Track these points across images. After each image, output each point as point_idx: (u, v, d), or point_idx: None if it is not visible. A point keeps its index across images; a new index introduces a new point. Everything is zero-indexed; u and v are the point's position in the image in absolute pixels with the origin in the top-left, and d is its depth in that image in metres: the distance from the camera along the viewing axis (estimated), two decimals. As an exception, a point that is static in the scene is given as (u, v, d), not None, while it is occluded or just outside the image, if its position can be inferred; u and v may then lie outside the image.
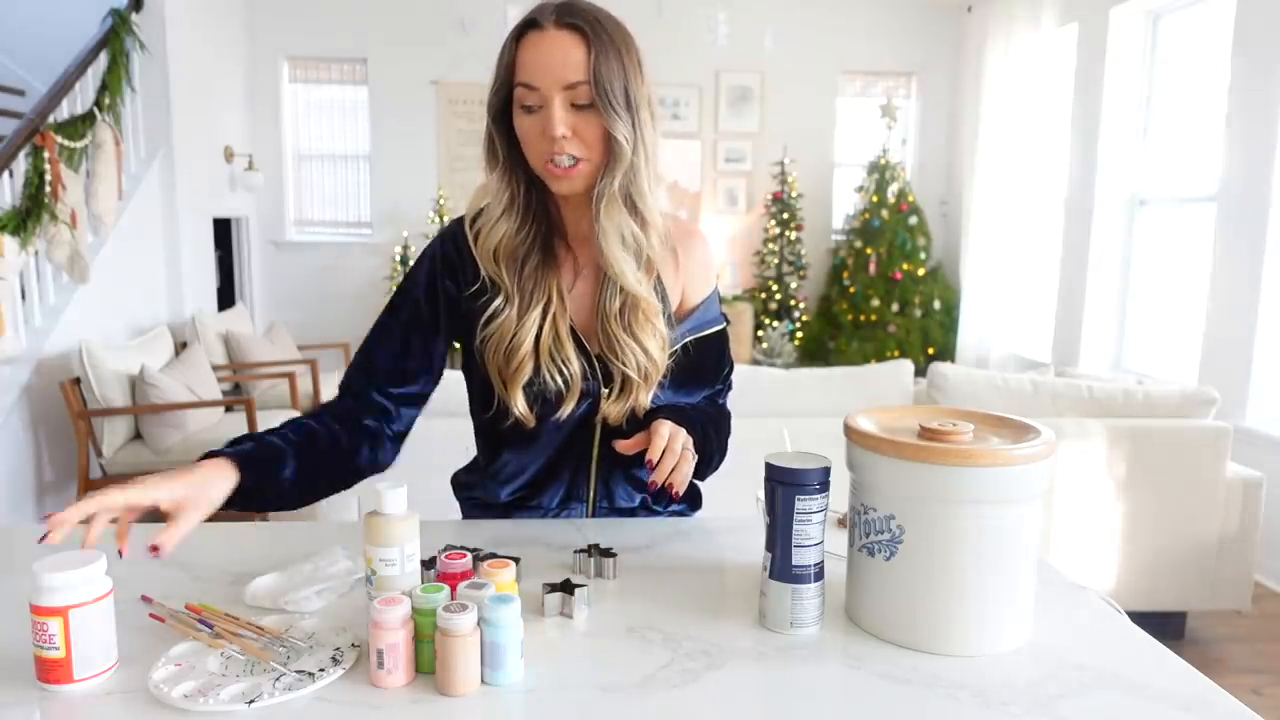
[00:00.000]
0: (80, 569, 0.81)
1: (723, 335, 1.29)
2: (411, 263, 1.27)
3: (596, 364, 1.19)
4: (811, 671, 0.86)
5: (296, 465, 1.08)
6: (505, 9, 4.92)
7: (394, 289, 1.26)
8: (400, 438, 1.24)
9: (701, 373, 1.26)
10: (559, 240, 1.22)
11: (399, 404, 1.21)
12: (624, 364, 1.17)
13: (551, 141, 1.09)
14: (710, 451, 1.21)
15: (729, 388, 1.33)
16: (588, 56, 1.08)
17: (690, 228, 1.32)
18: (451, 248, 1.21)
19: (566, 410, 1.18)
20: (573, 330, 1.19)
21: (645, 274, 1.18)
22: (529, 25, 1.11)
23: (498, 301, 1.17)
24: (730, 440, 1.30)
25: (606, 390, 1.20)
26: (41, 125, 3.82)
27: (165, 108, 4.84)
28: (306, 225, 6.55)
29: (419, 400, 1.24)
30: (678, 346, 1.22)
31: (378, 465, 1.21)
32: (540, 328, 1.16)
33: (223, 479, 0.99)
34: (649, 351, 1.18)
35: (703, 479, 1.27)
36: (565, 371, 1.17)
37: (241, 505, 1.03)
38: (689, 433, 1.12)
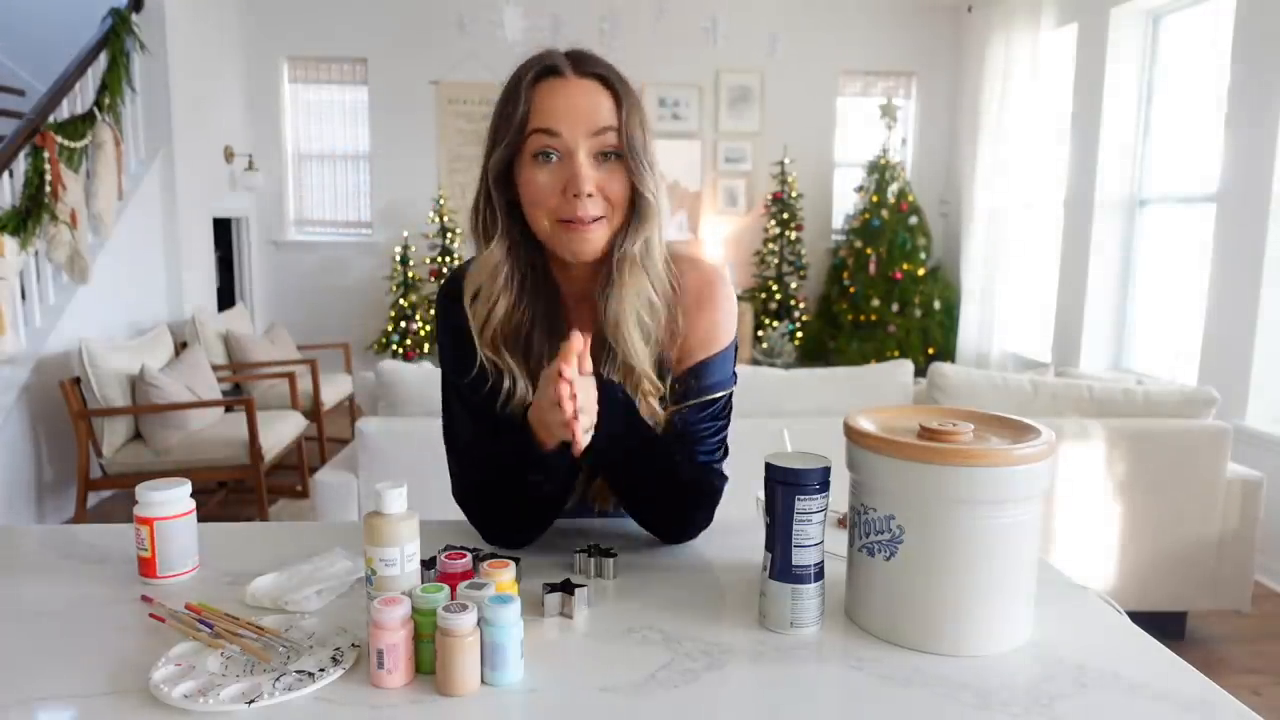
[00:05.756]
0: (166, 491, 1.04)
1: (728, 398, 1.15)
2: (436, 325, 1.17)
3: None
4: (811, 671, 0.86)
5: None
6: (503, 9, 4.92)
7: (440, 364, 1.17)
8: None
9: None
10: (560, 308, 1.12)
11: None
12: None
13: (573, 199, 1.01)
14: (652, 474, 1.10)
15: (725, 451, 1.17)
16: (615, 107, 1.03)
17: (709, 274, 1.15)
18: (458, 310, 1.11)
19: (570, 504, 1.16)
20: None
21: (651, 350, 1.09)
22: (547, 72, 1.03)
23: (506, 385, 1.09)
24: (712, 514, 1.16)
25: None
26: (41, 125, 3.83)
27: (165, 108, 4.84)
28: (306, 225, 6.55)
29: None
30: (674, 411, 1.11)
31: None
32: None
33: None
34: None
35: (639, 510, 1.15)
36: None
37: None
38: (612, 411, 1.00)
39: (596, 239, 1.04)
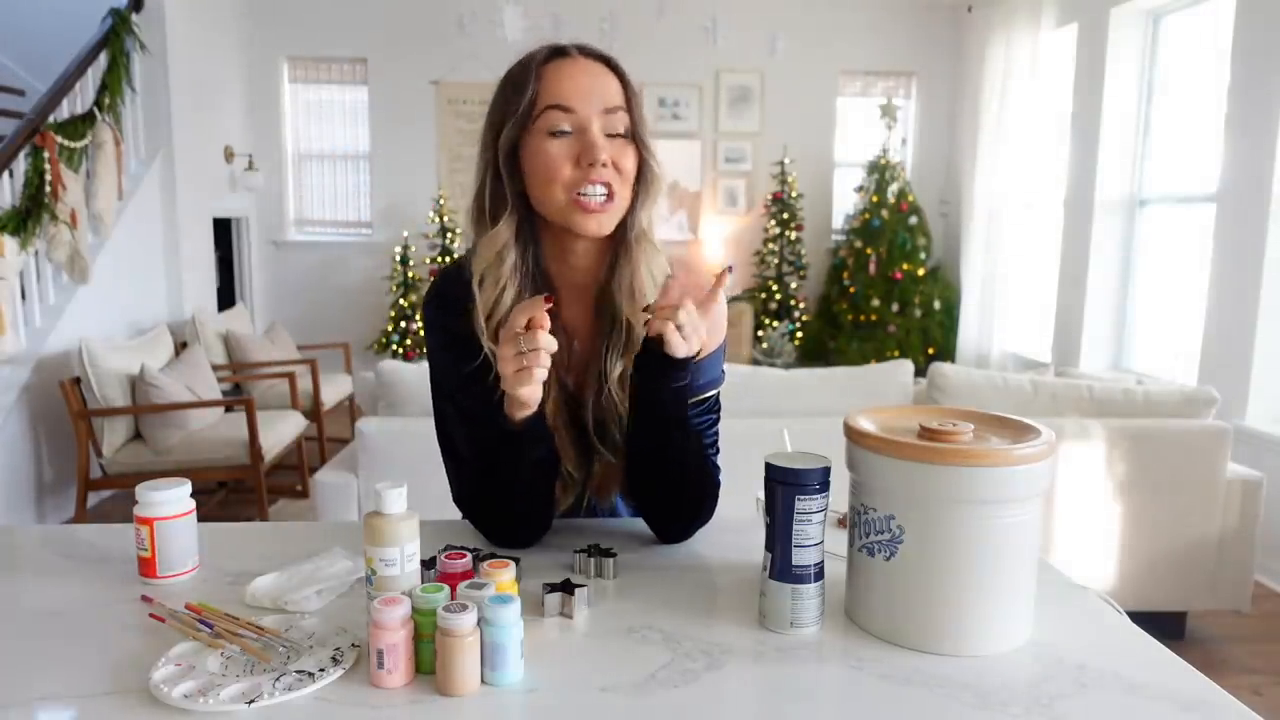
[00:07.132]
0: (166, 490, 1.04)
1: (715, 396, 1.17)
2: (424, 330, 1.18)
3: (594, 438, 1.14)
4: (811, 671, 0.86)
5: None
6: (503, 9, 4.92)
7: (430, 369, 1.18)
8: None
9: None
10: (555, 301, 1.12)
11: None
12: (619, 430, 1.12)
13: (588, 169, 1.03)
14: (687, 449, 1.11)
15: (716, 448, 1.20)
16: (621, 89, 1.07)
17: (701, 278, 1.15)
18: (448, 314, 1.11)
19: (563, 505, 1.17)
20: (571, 410, 1.13)
21: None
22: (556, 53, 1.07)
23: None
24: (714, 507, 1.17)
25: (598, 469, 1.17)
26: (41, 125, 3.83)
27: (165, 108, 4.85)
28: (306, 225, 6.55)
29: None
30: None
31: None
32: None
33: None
34: None
35: (652, 500, 1.15)
36: (562, 466, 1.13)
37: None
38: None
39: (608, 216, 1.06)
